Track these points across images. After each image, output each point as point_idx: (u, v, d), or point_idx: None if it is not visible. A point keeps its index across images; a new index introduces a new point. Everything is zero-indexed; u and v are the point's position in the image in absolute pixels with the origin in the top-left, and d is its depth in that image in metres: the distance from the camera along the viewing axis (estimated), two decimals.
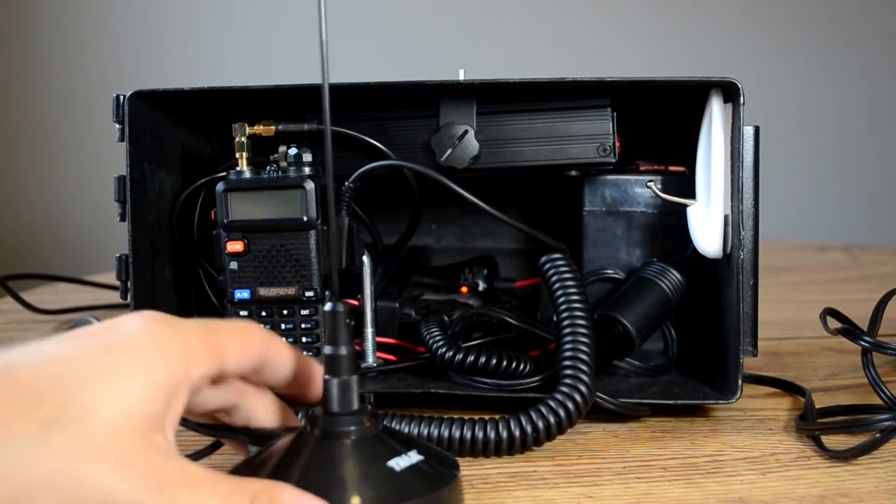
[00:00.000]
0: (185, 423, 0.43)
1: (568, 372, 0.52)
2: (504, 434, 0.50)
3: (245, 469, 0.43)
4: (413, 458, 0.42)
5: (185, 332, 0.37)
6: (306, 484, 0.39)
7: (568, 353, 0.53)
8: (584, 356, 0.52)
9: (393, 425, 0.51)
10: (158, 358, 0.35)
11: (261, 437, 0.44)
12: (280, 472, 0.41)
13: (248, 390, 0.44)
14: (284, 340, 0.44)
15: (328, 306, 0.41)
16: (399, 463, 0.41)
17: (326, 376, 0.42)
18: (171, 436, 0.36)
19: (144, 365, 0.35)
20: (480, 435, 0.50)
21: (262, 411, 0.45)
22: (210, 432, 0.45)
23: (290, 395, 0.45)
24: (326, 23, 0.38)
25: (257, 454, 0.44)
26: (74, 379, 0.33)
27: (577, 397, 0.51)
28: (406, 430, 0.51)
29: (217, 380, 0.40)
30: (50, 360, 0.34)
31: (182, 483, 0.34)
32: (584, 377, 0.52)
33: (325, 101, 0.41)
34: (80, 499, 0.32)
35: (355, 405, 0.42)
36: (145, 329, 0.36)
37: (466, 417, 0.52)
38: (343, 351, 0.41)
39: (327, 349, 0.41)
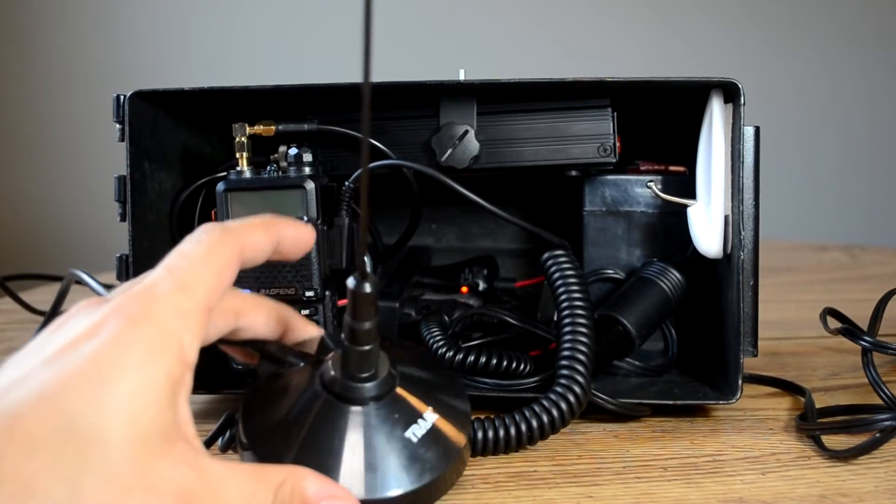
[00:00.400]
0: None
1: (564, 371, 0.52)
2: (501, 432, 0.51)
3: (256, 401, 0.43)
4: (429, 419, 0.43)
5: (165, 319, 0.36)
6: (319, 453, 0.40)
7: (566, 353, 0.53)
8: (581, 356, 0.53)
9: None
10: (152, 369, 0.34)
11: (271, 355, 0.45)
12: (291, 434, 0.41)
13: (244, 310, 0.44)
14: (260, 297, 0.45)
15: (350, 282, 0.40)
16: (415, 432, 0.42)
17: (346, 342, 0.42)
18: (189, 429, 0.36)
19: (142, 383, 0.34)
20: (476, 434, 0.50)
21: (264, 326, 0.45)
22: (217, 344, 0.45)
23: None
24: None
25: (268, 382, 0.44)
26: (82, 420, 0.32)
27: (571, 397, 0.51)
28: None
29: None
30: (50, 398, 0.32)
31: (208, 494, 0.35)
32: (580, 377, 0.52)
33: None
34: None
35: (373, 369, 0.42)
36: (128, 336, 0.35)
37: None
38: (365, 326, 0.41)
39: (348, 319, 0.41)
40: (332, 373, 0.42)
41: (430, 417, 0.43)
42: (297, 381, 0.44)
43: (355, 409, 0.42)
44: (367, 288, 0.40)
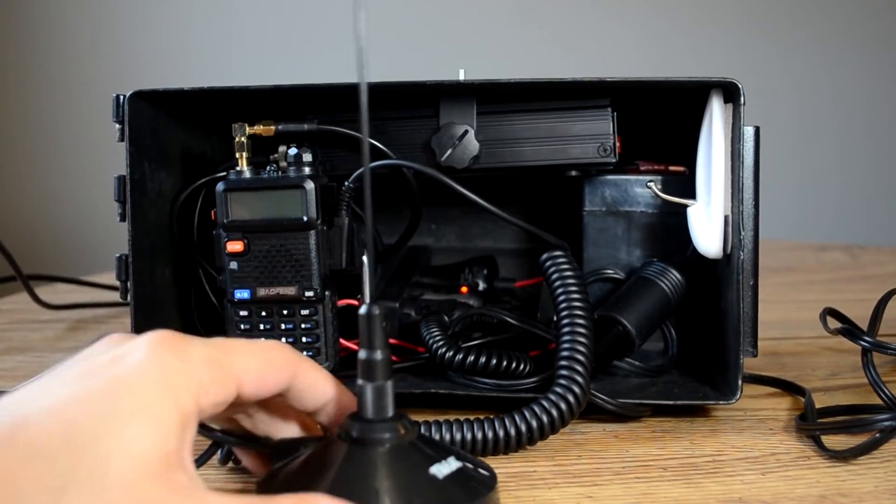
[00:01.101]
0: (203, 429, 0.42)
1: (563, 372, 0.52)
2: (501, 433, 0.50)
3: (272, 481, 0.42)
4: (452, 464, 0.41)
5: (193, 358, 0.36)
6: (343, 494, 0.38)
7: (565, 353, 0.53)
8: (580, 356, 0.53)
9: None
10: (164, 394, 0.34)
11: (285, 449, 0.43)
12: (312, 483, 0.39)
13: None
14: (316, 365, 0.42)
15: (363, 309, 0.40)
16: (441, 470, 0.40)
17: (360, 381, 0.41)
18: (191, 466, 0.35)
19: (152, 405, 0.34)
20: (469, 436, 0.50)
21: (282, 416, 0.44)
22: (229, 440, 0.45)
23: (321, 424, 0.44)
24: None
25: (283, 464, 0.42)
26: (83, 432, 0.32)
27: (571, 397, 0.51)
28: None
29: (235, 404, 0.39)
30: (59, 410, 0.33)
31: None
32: (579, 377, 0.52)
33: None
34: None
35: (391, 411, 0.41)
36: (151, 363, 0.35)
37: (460, 418, 0.52)
38: (378, 356, 0.40)
39: (362, 353, 0.40)
40: (349, 423, 0.41)
41: (455, 463, 0.42)
42: (313, 451, 0.42)
43: (376, 450, 0.40)
44: (375, 310, 0.40)
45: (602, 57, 1.92)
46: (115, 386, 0.34)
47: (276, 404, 0.43)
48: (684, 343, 0.65)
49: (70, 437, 0.32)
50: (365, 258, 0.41)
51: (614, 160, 0.61)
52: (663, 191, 0.62)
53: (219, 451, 0.49)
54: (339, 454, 0.40)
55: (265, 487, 0.42)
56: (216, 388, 0.37)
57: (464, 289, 0.69)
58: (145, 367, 0.35)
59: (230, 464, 0.49)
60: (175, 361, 0.35)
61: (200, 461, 0.48)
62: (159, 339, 0.36)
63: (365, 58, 0.37)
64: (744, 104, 0.55)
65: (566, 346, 0.53)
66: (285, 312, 0.59)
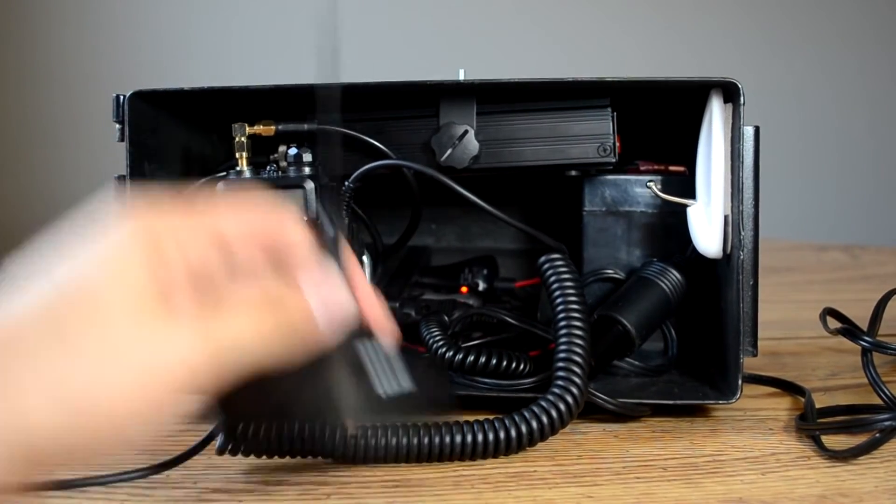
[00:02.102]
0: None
1: (560, 373, 0.52)
2: (501, 434, 0.50)
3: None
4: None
5: (170, 209, 0.34)
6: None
7: (562, 355, 0.53)
8: (577, 357, 0.53)
9: (382, 432, 0.50)
10: (143, 243, 0.33)
11: None
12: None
13: None
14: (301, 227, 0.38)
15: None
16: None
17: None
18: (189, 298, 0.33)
19: (133, 253, 0.33)
20: (469, 438, 0.50)
21: None
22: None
23: None
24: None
25: None
26: (69, 287, 0.32)
27: (569, 398, 0.51)
28: (393, 439, 0.50)
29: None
30: (48, 275, 0.33)
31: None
32: (577, 378, 0.52)
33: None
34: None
35: None
36: (126, 222, 0.34)
37: (459, 421, 0.51)
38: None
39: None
40: None
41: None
42: None
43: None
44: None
45: (602, 57, 1.92)
46: (91, 246, 0.34)
47: None
48: (684, 343, 0.65)
49: (59, 296, 0.32)
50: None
51: (614, 160, 0.61)
52: (663, 191, 0.62)
53: (219, 438, 0.48)
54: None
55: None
56: (196, 235, 0.34)
57: (464, 289, 0.69)
58: (121, 226, 0.34)
59: (227, 454, 0.49)
60: (151, 215, 0.34)
61: (197, 451, 0.48)
62: (131, 208, 0.35)
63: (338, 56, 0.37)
64: (743, 104, 0.55)
65: (563, 348, 0.53)
66: None
